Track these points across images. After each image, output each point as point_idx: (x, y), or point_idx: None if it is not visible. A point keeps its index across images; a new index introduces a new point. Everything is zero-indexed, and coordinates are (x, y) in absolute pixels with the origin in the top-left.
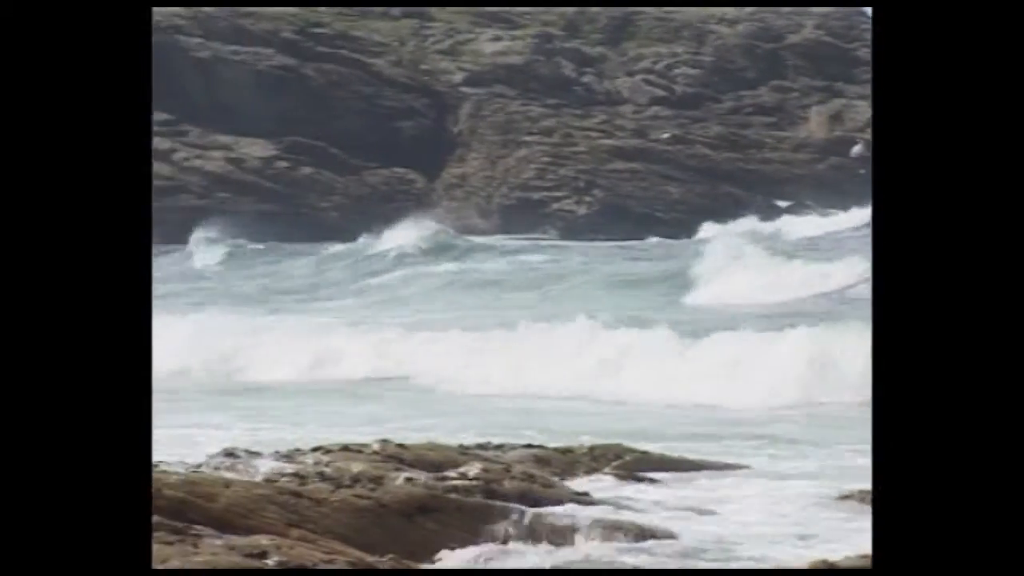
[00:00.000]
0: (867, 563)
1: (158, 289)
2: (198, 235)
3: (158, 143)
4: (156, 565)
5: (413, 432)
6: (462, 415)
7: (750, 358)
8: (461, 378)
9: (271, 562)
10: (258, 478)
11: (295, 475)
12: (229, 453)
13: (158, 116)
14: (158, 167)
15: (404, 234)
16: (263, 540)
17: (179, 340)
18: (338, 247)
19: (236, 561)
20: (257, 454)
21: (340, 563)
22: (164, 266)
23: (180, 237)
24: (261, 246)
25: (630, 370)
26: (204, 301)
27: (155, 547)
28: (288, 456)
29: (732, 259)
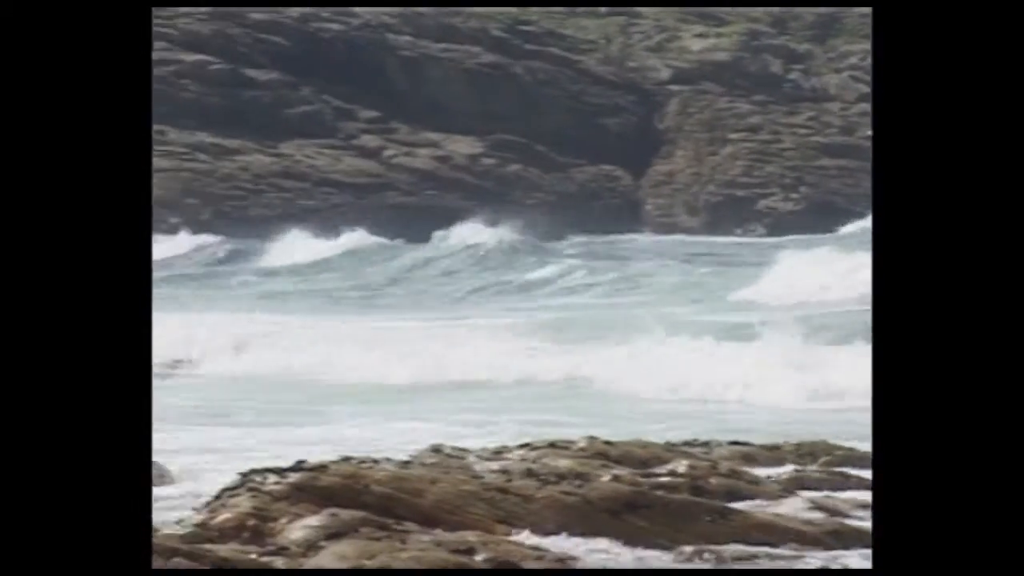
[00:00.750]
0: None
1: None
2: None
3: (367, 141)
4: (363, 562)
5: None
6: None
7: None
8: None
9: (479, 558)
10: (465, 475)
11: (502, 471)
12: (436, 449)
13: (367, 114)
14: (367, 164)
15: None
16: (470, 536)
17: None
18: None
19: (443, 557)
20: (464, 450)
21: (547, 560)
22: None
23: (391, 233)
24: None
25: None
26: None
27: (362, 543)
28: (495, 453)
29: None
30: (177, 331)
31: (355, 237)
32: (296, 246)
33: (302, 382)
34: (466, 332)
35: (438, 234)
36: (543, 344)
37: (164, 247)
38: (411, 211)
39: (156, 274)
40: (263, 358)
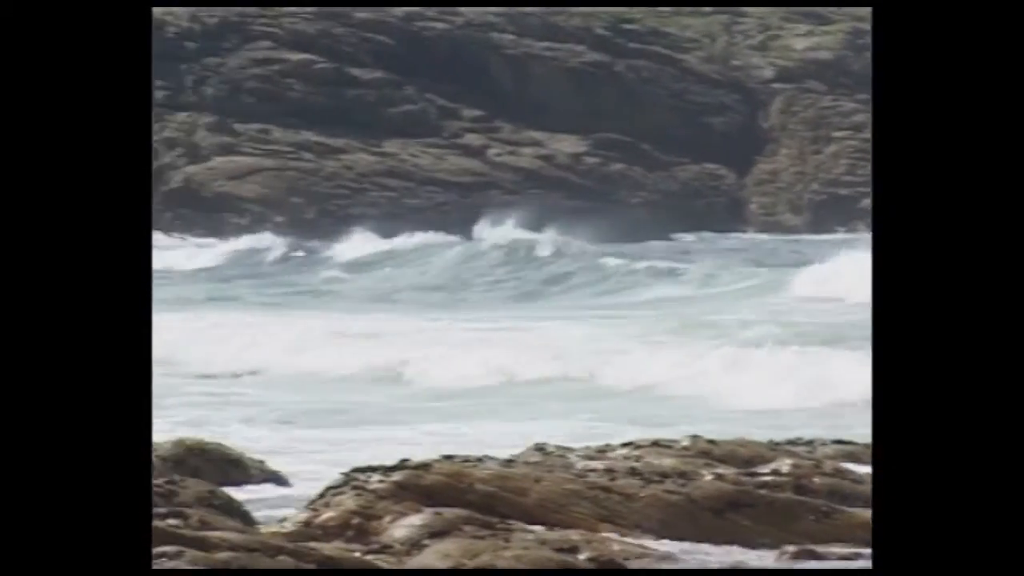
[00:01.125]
0: None
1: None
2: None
3: (471, 140)
4: (466, 561)
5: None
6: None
7: None
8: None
9: (582, 557)
10: (568, 473)
11: (605, 470)
12: (539, 448)
13: (470, 113)
14: (470, 163)
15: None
16: (574, 535)
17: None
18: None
19: (546, 556)
20: (568, 449)
21: (651, 559)
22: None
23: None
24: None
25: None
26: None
27: (465, 542)
28: (598, 451)
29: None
30: (268, 330)
31: (421, 234)
32: (361, 244)
33: (398, 380)
34: (546, 329)
35: (480, 230)
36: (626, 344)
37: (241, 242)
38: (514, 210)
39: (225, 271)
40: (356, 356)
